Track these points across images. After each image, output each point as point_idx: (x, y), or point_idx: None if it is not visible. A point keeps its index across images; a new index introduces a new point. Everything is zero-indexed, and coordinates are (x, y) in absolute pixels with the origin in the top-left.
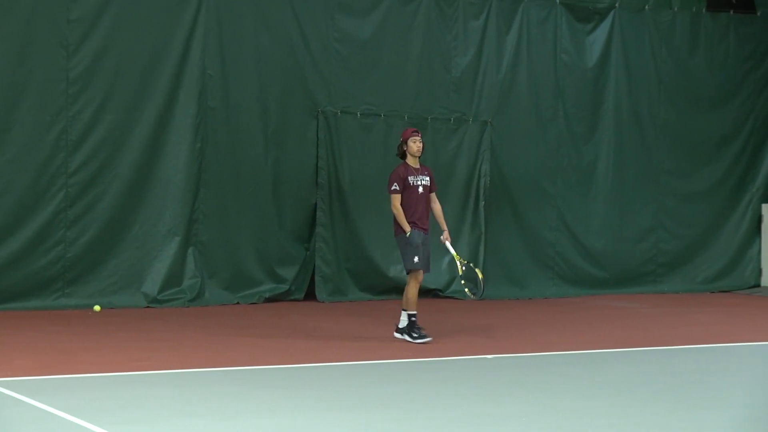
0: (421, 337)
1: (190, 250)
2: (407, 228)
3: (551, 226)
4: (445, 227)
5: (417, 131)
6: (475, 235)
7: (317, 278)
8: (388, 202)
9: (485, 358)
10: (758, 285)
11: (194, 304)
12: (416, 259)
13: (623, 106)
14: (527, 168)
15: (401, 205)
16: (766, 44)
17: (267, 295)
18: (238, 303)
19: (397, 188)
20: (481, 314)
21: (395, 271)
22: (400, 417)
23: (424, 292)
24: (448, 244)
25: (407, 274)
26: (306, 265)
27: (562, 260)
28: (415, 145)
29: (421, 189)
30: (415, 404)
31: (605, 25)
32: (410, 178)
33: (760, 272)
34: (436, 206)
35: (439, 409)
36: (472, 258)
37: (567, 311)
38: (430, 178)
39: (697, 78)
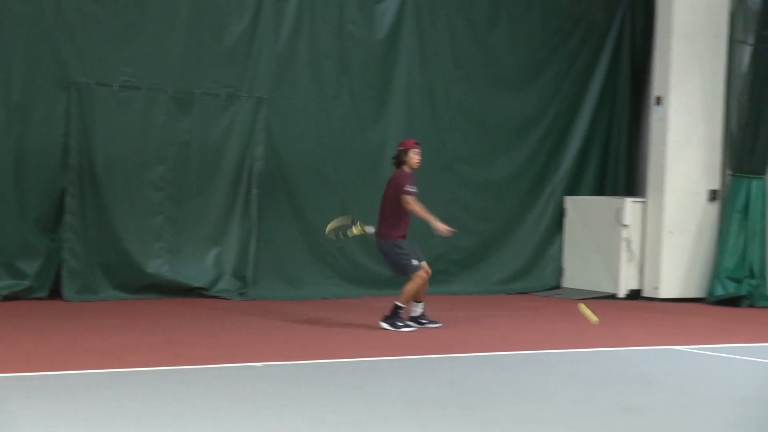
0: (405, 325)
1: None
2: (433, 222)
3: (333, 218)
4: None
5: (418, 143)
6: (246, 227)
7: (64, 274)
8: (152, 188)
9: (253, 366)
10: (559, 286)
11: None
12: (414, 261)
13: (415, 85)
14: (307, 151)
15: (398, 211)
16: (574, 20)
17: (5, 292)
18: None
19: (415, 190)
20: (252, 315)
21: (154, 266)
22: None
23: (186, 291)
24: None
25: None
26: (51, 258)
27: (344, 257)
28: (417, 157)
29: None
30: (168, 417)
31: None
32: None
33: (561, 272)
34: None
35: (197, 424)
36: (241, 254)
37: (347, 313)
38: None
39: (498, 55)
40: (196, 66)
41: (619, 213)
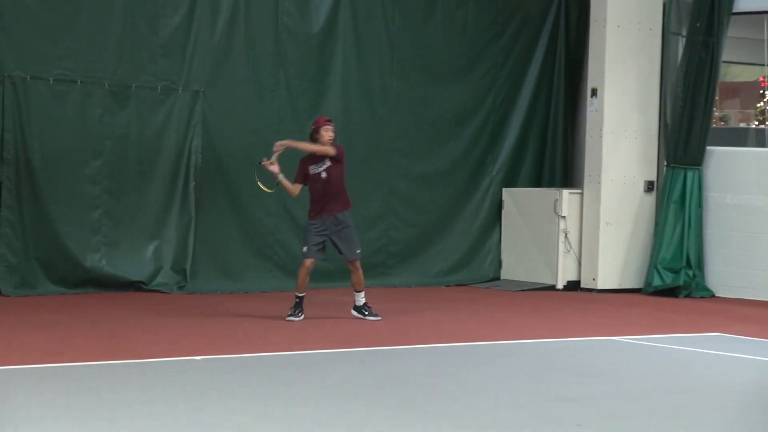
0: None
1: None
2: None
3: (270, 211)
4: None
5: (330, 120)
6: (184, 220)
7: (1, 269)
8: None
9: (193, 359)
10: (498, 278)
11: None
12: (305, 248)
13: (351, 78)
14: (244, 144)
15: (310, 193)
16: (509, 11)
17: None
18: None
19: (297, 178)
20: (189, 310)
21: (92, 260)
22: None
23: (125, 285)
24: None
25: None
26: None
27: (282, 249)
28: (327, 134)
29: (324, 174)
30: (104, 413)
31: None
32: (311, 168)
33: (500, 264)
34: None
35: (135, 418)
36: (180, 248)
37: (286, 306)
38: (335, 159)
39: (434, 48)
40: (132, 59)
41: (556, 204)
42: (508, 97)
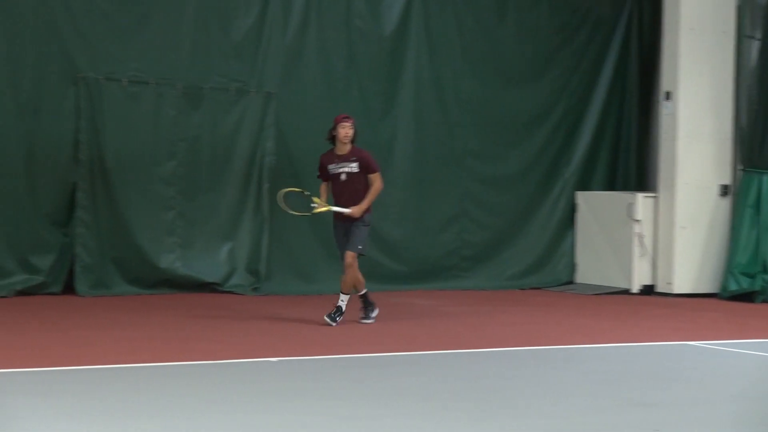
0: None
1: None
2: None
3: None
4: (360, 206)
5: (348, 117)
6: (258, 222)
7: (77, 269)
8: (163, 183)
9: (268, 361)
10: (572, 281)
11: None
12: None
13: (424, 80)
14: (316, 146)
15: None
16: (582, 13)
17: (18, 287)
18: None
19: (318, 174)
20: (264, 311)
21: (167, 261)
22: (163, 427)
23: (200, 286)
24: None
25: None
26: (64, 253)
27: None
28: (343, 130)
29: (344, 176)
30: (182, 412)
31: None
32: (330, 167)
33: (574, 267)
34: (372, 186)
35: (210, 418)
36: (254, 249)
37: (359, 308)
38: (360, 162)
39: (506, 50)
40: (205, 61)
41: (630, 208)
42: (581, 99)
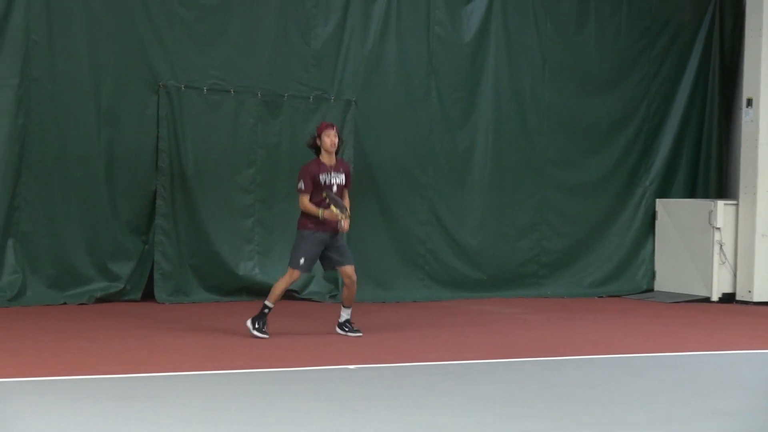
0: (261, 331)
1: (9, 242)
2: (322, 213)
3: (422, 221)
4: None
5: (332, 125)
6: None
7: (156, 276)
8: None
9: (347, 368)
10: (651, 289)
11: (14, 304)
12: (302, 260)
13: (503, 87)
14: (395, 154)
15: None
16: (662, 20)
17: (98, 294)
18: (65, 303)
19: (302, 188)
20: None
21: (245, 268)
22: None
23: None
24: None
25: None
26: (143, 260)
27: (434, 259)
28: (329, 139)
29: (335, 188)
30: (260, 418)
31: None
32: (322, 176)
33: (653, 275)
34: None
35: (288, 425)
36: None
37: (438, 316)
38: (345, 175)
39: (586, 57)
40: (284, 69)
41: (711, 216)
42: (661, 106)
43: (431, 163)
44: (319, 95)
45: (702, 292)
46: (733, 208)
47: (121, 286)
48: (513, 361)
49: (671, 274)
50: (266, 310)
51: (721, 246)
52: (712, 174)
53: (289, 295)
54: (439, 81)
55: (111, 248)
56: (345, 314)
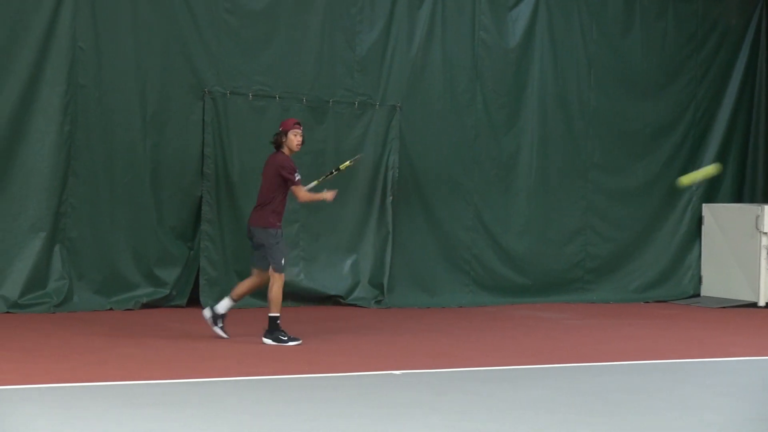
0: (290, 338)
1: (56, 248)
2: (321, 196)
3: (467, 226)
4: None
5: (299, 123)
6: (382, 234)
7: (202, 281)
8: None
9: (392, 374)
10: (698, 294)
11: (61, 310)
12: (283, 261)
13: (549, 92)
14: (440, 159)
15: (279, 196)
16: (708, 24)
17: (144, 300)
18: (111, 309)
19: (299, 179)
20: (387, 324)
21: (290, 274)
22: None
23: (323, 299)
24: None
25: (273, 272)
26: (189, 266)
27: (479, 264)
28: (296, 138)
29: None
30: (307, 424)
31: (529, 0)
32: (297, 174)
33: (700, 280)
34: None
35: (332, 430)
36: (377, 262)
37: (484, 321)
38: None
39: (632, 61)
40: (329, 75)
41: (758, 220)
42: (707, 111)
43: (476, 169)
44: (363, 101)
45: (749, 297)
46: None
47: (167, 291)
48: (558, 367)
49: (718, 278)
50: (278, 321)
51: None
52: (759, 178)
53: (334, 300)
54: (484, 86)
55: (157, 254)
56: (225, 307)
